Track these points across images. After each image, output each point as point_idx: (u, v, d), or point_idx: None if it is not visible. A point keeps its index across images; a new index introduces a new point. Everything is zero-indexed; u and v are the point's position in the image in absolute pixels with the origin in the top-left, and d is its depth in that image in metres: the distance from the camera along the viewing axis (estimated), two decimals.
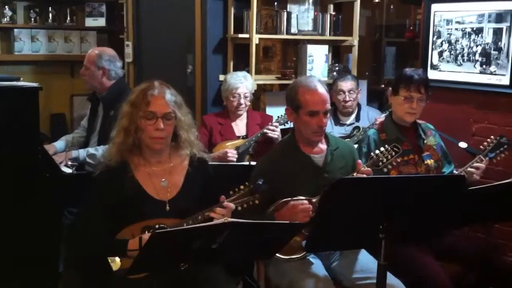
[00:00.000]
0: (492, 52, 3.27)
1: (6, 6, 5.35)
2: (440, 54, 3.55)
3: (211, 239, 1.89)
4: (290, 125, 3.38)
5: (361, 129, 3.65)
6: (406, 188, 2.00)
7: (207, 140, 3.52)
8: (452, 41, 3.48)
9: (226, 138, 3.55)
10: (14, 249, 2.89)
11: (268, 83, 4.50)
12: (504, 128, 3.25)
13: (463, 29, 3.41)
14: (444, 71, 3.54)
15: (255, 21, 4.04)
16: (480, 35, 3.32)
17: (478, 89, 3.36)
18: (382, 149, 2.51)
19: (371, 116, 3.87)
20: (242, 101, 3.57)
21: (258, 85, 4.16)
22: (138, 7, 5.18)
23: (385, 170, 2.51)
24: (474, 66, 3.37)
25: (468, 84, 3.41)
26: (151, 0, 5.08)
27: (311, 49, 4.32)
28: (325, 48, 4.39)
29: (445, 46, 3.52)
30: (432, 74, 3.54)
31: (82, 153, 3.43)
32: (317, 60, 4.34)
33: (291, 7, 4.34)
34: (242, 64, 4.27)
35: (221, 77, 4.11)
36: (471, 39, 3.37)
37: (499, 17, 3.23)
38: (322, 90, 2.52)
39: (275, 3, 4.41)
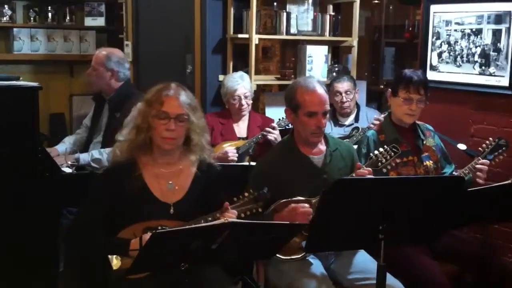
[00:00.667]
0: (491, 53, 3.28)
1: (6, 5, 5.34)
2: (439, 55, 3.56)
3: (211, 240, 1.90)
4: (291, 127, 3.38)
5: (360, 129, 3.65)
6: (405, 189, 2.01)
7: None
8: (451, 42, 3.48)
9: (226, 138, 3.56)
10: (13, 248, 2.89)
11: (268, 83, 4.51)
12: (503, 129, 3.25)
13: (462, 30, 3.42)
14: (443, 72, 3.54)
15: (254, 21, 4.04)
16: (479, 36, 3.33)
17: (477, 90, 3.37)
18: (381, 149, 2.52)
19: (370, 117, 3.87)
20: (243, 101, 3.57)
21: (257, 85, 4.17)
22: (137, 7, 5.17)
23: (384, 170, 2.52)
24: (473, 67, 3.38)
25: (467, 85, 3.41)
26: (151, 0, 5.09)
27: (310, 49, 4.32)
28: (324, 49, 4.39)
29: (444, 47, 3.53)
30: (431, 75, 3.54)
31: (85, 157, 3.40)
32: (317, 60, 4.34)
33: (291, 8, 4.34)
34: (241, 65, 4.28)
35: (221, 77, 4.11)
36: (470, 40, 3.38)
37: (498, 18, 3.23)
38: (321, 90, 2.53)
39: (275, 4, 4.41)
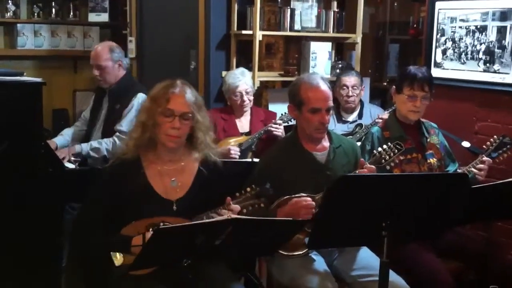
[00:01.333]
0: (496, 50, 3.26)
1: (10, 1, 5.33)
2: (444, 52, 3.55)
3: (214, 236, 1.90)
4: (294, 122, 3.38)
5: (363, 126, 3.65)
6: (409, 186, 2.00)
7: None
8: (456, 39, 3.47)
9: (229, 134, 3.56)
10: (16, 244, 2.89)
11: (271, 80, 4.50)
12: (507, 127, 3.25)
13: (467, 27, 3.41)
14: (447, 69, 3.53)
15: (258, 17, 4.03)
16: (484, 33, 3.32)
17: (481, 88, 3.36)
18: (384, 146, 2.52)
19: (374, 114, 3.87)
20: (245, 97, 3.57)
21: (260, 82, 4.16)
22: (141, 3, 5.17)
23: (388, 167, 2.52)
24: (478, 64, 3.36)
25: (471, 82, 3.41)
26: None
27: (314, 46, 4.31)
28: (328, 45, 4.39)
29: (449, 44, 3.51)
30: (435, 72, 3.53)
31: (85, 147, 3.43)
32: (320, 57, 4.33)
33: (295, 4, 4.33)
34: (245, 61, 4.27)
35: (224, 74, 4.11)
36: (475, 37, 3.36)
37: (503, 15, 3.22)
38: (324, 87, 2.52)
39: (279, 0, 4.40)
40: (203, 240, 1.88)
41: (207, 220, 1.97)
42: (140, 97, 3.48)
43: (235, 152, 3.37)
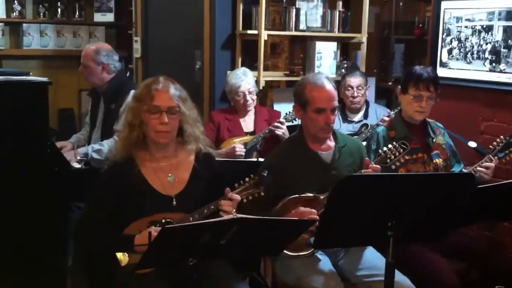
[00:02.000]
0: (502, 50, 3.25)
1: (15, 1, 5.37)
2: (450, 51, 3.54)
3: (220, 235, 1.90)
4: (298, 122, 3.38)
5: (369, 126, 3.65)
6: (414, 186, 2.00)
7: (215, 136, 3.52)
8: (462, 39, 3.46)
9: (233, 134, 3.56)
10: (22, 243, 2.90)
11: (276, 79, 4.50)
12: None
13: (473, 27, 3.39)
14: (453, 69, 3.52)
15: (263, 17, 4.03)
16: (490, 33, 3.31)
17: (487, 87, 3.35)
18: (390, 146, 2.52)
19: (379, 114, 3.86)
20: (248, 97, 3.57)
21: (265, 81, 4.16)
22: (146, 3, 5.18)
23: (393, 167, 2.51)
24: (484, 64, 3.35)
25: (477, 82, 3.39)
26: None
27: (319, 46, 4.30)
28: (333, 45, 4.38)
29: (455, 43, 3.50)
30: (441, 72, 3.52)
31: (84, 150, 3.43)
32: (326, 57, 4.33)
33: (300, 4, 4.33)
34: (250, 61, 4.27)
35: (227, 74, 4.11)
36: (481, 37, 3.35)
37: (510, 14, 3.21)
38: (329, 87, 2.52)
39: (284, 0, 4.40)
40: (208, 239, 1.89)
41: (213, 220, 1.97)
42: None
43: (240, 149, 3.37)
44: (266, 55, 4.44)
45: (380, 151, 2.54)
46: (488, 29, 3.32)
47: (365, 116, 3.89)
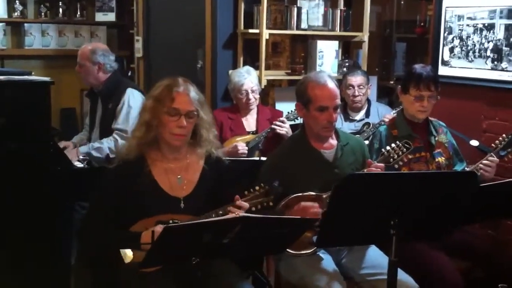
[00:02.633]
0: (504, 48, 3.25)
1: (17, 1, 5.37)
2: (451, 50, 3.54)
3: (223, 234, 1.90)
4: (300, 120, 3.38)
5: (371, 125, 3.65)
6: (417, 185, 2.00)
7: (217, 135, 3.52)
8: (464, 37, 3.46)
9: (236, 133, 3.56)
10: (26, 242, 2.91)
11: (278, 78, 4.50)
12: None
13: (475, 25, 3.39)
14: (455, 67, 3.52)
15: (265, 16, 4.04)
16: (491, 31, 3.30)
17: (489, 86, 3.34)
18: (393, 145, 2.52)
19: (381, 112, 3.86)
20: (251, 96, 3.57)
21: (267, 80, 4.17)
22: (148, 2, 5.18)
23: (396, 166, 2.52)
24: (486, 62, 3.35)
25: (479, 81, 3.39)
26: None
27: (321, 44, 4.31)
28: (335, 44, 4.38)
29: (456, 42, 3.50)
30: (443, 70, 3.53)
31: (87, 148, 3.45)
32: (327, 55, 4.33)
33: (301, 3, 4.33)
34: (251, 60, 4.27)
35: (230, 73, 4.11)
36: (483, 35, 3.35)
37: (511, 13, 3.21)
38: (332, 85, 2.52)
39: None
40: (211, 238, 1.89)
41: (216, 218, 1.97)
42: (130, 93, 3.52)
43: (242, 148, 3.37)
44: (268, 54, 4.44)
45: (383, 150, 2.54)
46: (490, 27, 3.31)
47: (367, 114, 3.89)
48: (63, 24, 5.61)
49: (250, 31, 4.16)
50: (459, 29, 3.48)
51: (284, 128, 3.43)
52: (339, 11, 4.42)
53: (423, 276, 2.49)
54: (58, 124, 5.38)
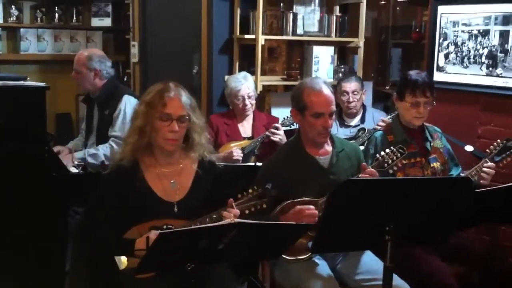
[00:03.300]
0: (499, 54, 3.26)
1: (13, 6, 5.37)
2: (447, 56, 3.55)
3: (218, 240, 1.90)
4: (296, 126, 3.38)
5: (366, 130, 3.65)
6: (412, 190, 2.00)
7: (213, 141, 3.52)
8: (459, 43, 3.47)
9: (232, 138, 3.56)
10: (20, 247, 2.90)
11: (274, 84, 4.51)
12: (510, 131, 3.24)
13: (470, 31, 3.41)
14: (450, 73, 3.53)
15: (261, 22, 4.04)
16: (486, 37, 3.32)
17: (484, 92, 3.35)
18: (387, 150, 2.52)
19: (376, 118, 3.87)
20: (247, 101, 3.57)
21: (263, 86, 4.17)
22: (144, 7, 5.19)
23: (391, 171, 2.52)
24: (481, 68, 3.37)
25: (474, 87, 3.40)
26: (157, 0, 5.09)
27: (317, 50, 4.32)
28: (330, 50, 4.39)
29: (452, 48, 3.52)
30: (438, 76, 3.54)
31: (82, 154, 3.44)
32: (323, 61, 4.34)
33: (297, 8, 4.34)
34: (247, 65, 4.28)
35: (226, 78, 4.12)
36: (478, 41, 3.37)
37: (506, 19, 3.22)
38: (327, 91, 2.53)
39: (281, 4, 4.41)
40: (206, 243, 1.88)
41: (211, 224, 1.97)
42: (127, 100, 3.52)
43: (237, 154, 3.37)
44: (264, 60, 4.45)
45: (377, 155, 2.54)
46: (485, 33, 3.33)
47: (362, 120, 3.89)
48: (59, 29, 5.60)
49: (246, 36, 4.17)
50: (454, 35, 3.50)
51: (278, 136, 3.43)
52: (335, 16, 4.43)
53: (420, 281, 2.49)
54: (54, 129, 5.37)
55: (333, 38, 4.43)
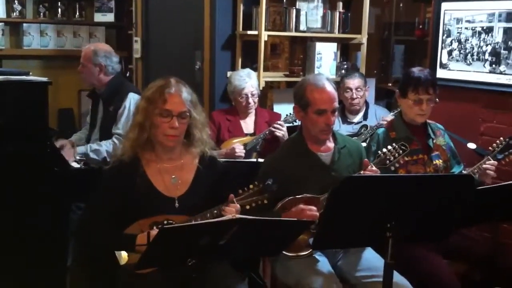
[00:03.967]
0: (502, 51, 3.25)
1: (16, 1, 5.36)
2: (450, 53, 3.54)
3: (219, 236, 1.90)
4: (299, 123, 3.38)
5: (368, 127, 3.65)
6: (414, 187, 2.00)
7: (215, 137, 3.52)
8: (462, 40, 3.46)
9: (234, 135, 3.56)
10: (22, 243, 2.90)
11: (276, 80, 4.50)
12: None
13: (473, 28, 3.40)
14: (453, 70, 3.52)
15: (264, 18, 4.03)
16: (490, 34, 3.31)
17: (487, 89, 3.35)
18: (389, 147, 2.52)
19: (379, 115, 3.86)
20: (250, 100, 3.58)
21: (265, 82, 4.16)
22: (147, 3, 5.18)
23: (393, 168, 2.51)
24: (484, 65, 3.36)
25: (477, 84, 3.39)
26: None
27: (319, 46, 4.31)
28: (333, 46, 4.38)
29: (455, 45, 3.51)
30: (441, 73, 3.53)
31: (84, 149, 3.44)
32: (326, 58, 4.33)
33: (300, 4, 4.33)
34: (250, 61, 4.27)
35: (229, 74, 4.12)
36: (481, 38, 3.35)
37: (510, 16, 3.21)
38: (330, 88, 2.52)
39: (284, 0, 4.40)
40: (207, 239, 1.88)
41: (212, 220, 1.97)
42: (131, 97, 3.51)
43: (239, 150, 3.37)
44: (266, 56, 4.44)
45: (379, 152, 2.54)
46: (488, 30, 3.32)
47: (365, 117, 3.88)
48: (62, 24, 5.60)
49: (249, 32, 4.16)
50: (458, 32, 3.49)
51: (281, 131, 3.43)
52: (338, 13, 4.42)
53: (421, 279, 2.49)
54: (56, 125, 5.37)
55: (336, 34, 4.42)
